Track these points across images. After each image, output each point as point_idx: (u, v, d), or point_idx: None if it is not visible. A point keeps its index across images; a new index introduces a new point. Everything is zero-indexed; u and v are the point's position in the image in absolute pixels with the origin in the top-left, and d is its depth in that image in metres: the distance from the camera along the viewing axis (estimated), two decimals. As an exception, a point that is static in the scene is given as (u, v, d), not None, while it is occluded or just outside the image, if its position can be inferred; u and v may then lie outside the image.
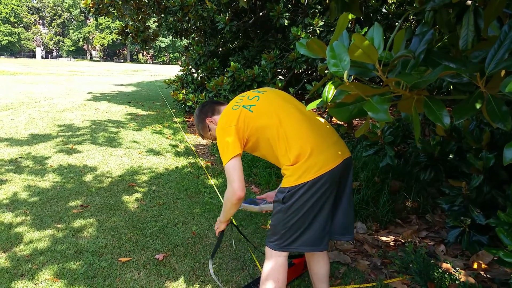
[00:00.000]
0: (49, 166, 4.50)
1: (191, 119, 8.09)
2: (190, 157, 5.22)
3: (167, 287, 2.34)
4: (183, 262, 2.60)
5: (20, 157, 4.77)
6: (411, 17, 5.67)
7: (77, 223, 3.11)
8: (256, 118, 1.79)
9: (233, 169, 1.75)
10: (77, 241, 2.82)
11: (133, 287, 2.32)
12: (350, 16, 1.57)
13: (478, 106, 0.93)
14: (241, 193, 1.75)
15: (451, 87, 1.29)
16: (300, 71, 6.28)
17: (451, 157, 2.90)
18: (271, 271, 1.78)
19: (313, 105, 1.04)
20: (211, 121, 2.05)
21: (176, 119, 7.87)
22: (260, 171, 4.15)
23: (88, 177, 4.20)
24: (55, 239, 2.84)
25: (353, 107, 1.05)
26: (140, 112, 8.83)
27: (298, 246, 1.76)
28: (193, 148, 5.72)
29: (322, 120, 1.87)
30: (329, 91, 0.96)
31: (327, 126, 1.85)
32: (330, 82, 0.98)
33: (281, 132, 1.72)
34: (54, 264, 2.52)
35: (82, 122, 7.18)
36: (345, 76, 0.94)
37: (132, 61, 77.24)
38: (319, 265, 1.98)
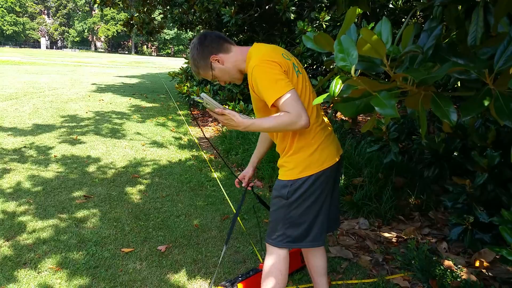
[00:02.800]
0: (52, 156, 4.52)
1: (195, 112, 8.08)
2: (194, 150, 5.23)
3: (169, 278, 2.35)
4: (185, 254, 2.62)
5: (24, 147, 4.79)
6: (418, 13, 5.62)
7: (80, 213, 3.12)
8: (295, 87, 1.62)
9: (296, 101, 1.52)
10: (80, 231, 2.84)
11: (135, 277, 2.33)
12: (358, 10, 1.56)
13: (486, 103, 0.92)
14: (309, 124, 1.54)
15: (458, 83, 1.28)
16: (305, 65, 6.25)
17: (456, 154, 2.88)
18: (274, 264, 1.78)
19: (320, 99, 1.03)
20: (217, 60, 1.72)
21: (180, 112, 7.87)
22: (264, 165, 4.15)
23: (91, 168, 4.22)
24: (58, 229, 2.85)
25: (360, 102, 1.04)
26: (144, 104, 8.83)
27: (300, 243, 1.76)
28: (196, 141, 5.72)
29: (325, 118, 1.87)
30: (336, 85, 0.96)
31: (329, 126, 1.84)
32: (338, 77, 0.97)
33: None
34: (56, 253, 2.54)
35: (86, 113, 7.20)
36: (352, 71, 0.93)
37: (137, 53, 77.15)
38: (316, 258, 1.98)
